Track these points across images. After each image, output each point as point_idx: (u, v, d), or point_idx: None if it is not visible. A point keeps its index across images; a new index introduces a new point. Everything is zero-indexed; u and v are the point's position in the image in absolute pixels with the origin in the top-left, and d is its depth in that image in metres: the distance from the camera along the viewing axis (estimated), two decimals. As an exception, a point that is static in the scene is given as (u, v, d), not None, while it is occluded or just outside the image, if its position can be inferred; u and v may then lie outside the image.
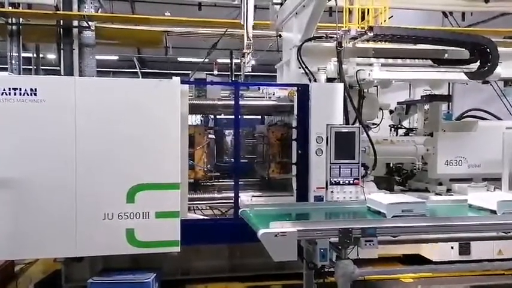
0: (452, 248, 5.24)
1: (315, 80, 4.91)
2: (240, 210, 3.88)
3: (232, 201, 4.59)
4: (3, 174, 3.90)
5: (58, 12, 8.30)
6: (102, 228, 4.04)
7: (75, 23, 8.42)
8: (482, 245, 5.11)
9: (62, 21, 8.49)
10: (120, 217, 4.07)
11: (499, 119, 6.22)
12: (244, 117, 5.48)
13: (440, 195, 5.21)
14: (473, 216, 3.58)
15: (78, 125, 4.01)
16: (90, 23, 8.35)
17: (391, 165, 6.14)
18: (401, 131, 6.41)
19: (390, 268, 4.67)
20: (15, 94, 3.89)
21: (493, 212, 3.49)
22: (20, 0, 8.49)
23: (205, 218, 4.81)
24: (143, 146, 4.13)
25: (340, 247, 3.08)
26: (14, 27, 8.66)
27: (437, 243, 4.75)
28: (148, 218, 4.12)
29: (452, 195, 5.21)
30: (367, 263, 4.10)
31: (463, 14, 10.21)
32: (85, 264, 4.49)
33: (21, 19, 8.82)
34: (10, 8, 8.28)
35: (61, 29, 8.47)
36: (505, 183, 4.80)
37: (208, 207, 5.08)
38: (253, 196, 4.89)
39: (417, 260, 5.29)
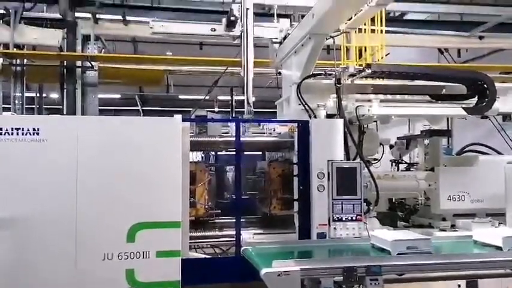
0: (459, 286, 5.11)
1: (315, 116, 4.94)
2: (242, 249, 3.82)
3: (234, 239, 4.52)
4: (4, 213, 3.86)
5: (62, 53, 8.51)
6: (101, 269, 3.95)
7: (79, 63, 8.62)
8: (490, 283, 4.98)
9: (65, 61, 8.68)
10: (120, 257, 3.99)
11: (499, 153, 6.22)
12: (245, 153, 5.49)
13: (445, 231, 5.13)
14: (479, 253, 3.53)
15: (80, 163, 4.01)
16: (93, 63, 8.54)
17: (394, 200, 6.09)
18: (402, 166, 6.40)
19: (397, 307, 4.53)
20: (17, 134, 3.92)
21: (499, 248, 3.43)
22: (25, 42, 8.71)
23: (207, 256, 4.72)
24: (144, 184, 4.11)
25: (344, 286, 3.01)
26: (18, 68, 8.85)
27: (445, 281, 4.63)
28: (149, 257, 4.04)
29: (456, 230, 5.13)
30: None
31: (459, 50, 10.45)
32: (83, 306, 4.36)
33: (25, 60, 9.03)
34: (15, 49, 8.48)
35: (64, 69, 8.65)
36: (509, 218, 4.74)
37: (209, 246, 5.00)
38: (254, 234, 4.82)
39: (424, 298, 5.15)
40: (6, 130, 3.90)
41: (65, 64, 8.70)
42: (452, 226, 5.28)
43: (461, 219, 5.26)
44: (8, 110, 8.54)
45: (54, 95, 12.54)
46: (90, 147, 4.05)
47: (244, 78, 5.66)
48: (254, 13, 5.77)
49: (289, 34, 5.85)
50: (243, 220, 4.80)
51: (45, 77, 9.66)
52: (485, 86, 4.92)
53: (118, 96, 17.05)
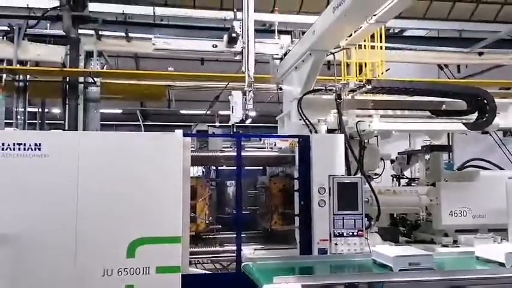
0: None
1: (316, 131, 4.96)
2: (242, 265, 3.80)
3: (235, 254, 4.49)
4: (4, 229, 3.86)
5: (65, 69, 8.57)
6: (101, 285, 3.93)
7: (81, 79, 8.68)
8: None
9: (68, 77, 8.75)
10: (120, 273, 3.97)
11: (500, 168, 6.21)
12: (246, 168, 5.50)
13: (447, 246, 5.10)
14: (482, 269, 3.49)
15: (81, 178, 4.02)
16: (95, 78, 8.60)
17: (395, 215, 6.06)
18: (403, 181, 6.39)
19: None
20: (19, 149, 3.94)
21: (502, 264, 3.41)
22: (28, 58, 8.80)
23: (207, 272, 4.69)
24: (145, 199, 4.11)
25: (346, 303, 2.98)
26: (21, 83, 8.91)
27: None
28: (149, 273, 4.02)
29: (459, 246, 5.09)
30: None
31: (458, 66, 10.53)
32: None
33: (28, 76, 9.09)
34: (18, 65, 8.55)
35: (67, 85, 8.70)
36: (511, 234, 4.71)
37: (210, 261, 4.97)
38: (255, 249, 4.80)
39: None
40: (9, 145, 3.93)
41: (68, 80, 8.77)
42: (455, 242, 5.24)
43: (463, 235, 5.22)
44: (10, 125, 8.59)
45: (56, 110, 12.60)
46: (91, 163, 4.07)
47: (246, 92, 5.67)
48: (255, 30, 5.83)
49: (290, 50, 5.90)
50: (244, 235, 4.78)
51: (47, 92, 9.74)
52: (485, 101, 4.94)
53: (119, 111, 17.10)
